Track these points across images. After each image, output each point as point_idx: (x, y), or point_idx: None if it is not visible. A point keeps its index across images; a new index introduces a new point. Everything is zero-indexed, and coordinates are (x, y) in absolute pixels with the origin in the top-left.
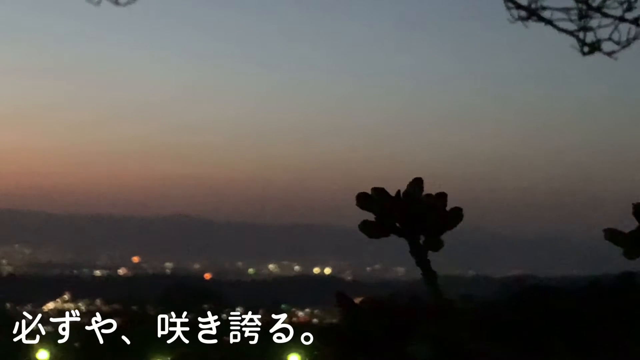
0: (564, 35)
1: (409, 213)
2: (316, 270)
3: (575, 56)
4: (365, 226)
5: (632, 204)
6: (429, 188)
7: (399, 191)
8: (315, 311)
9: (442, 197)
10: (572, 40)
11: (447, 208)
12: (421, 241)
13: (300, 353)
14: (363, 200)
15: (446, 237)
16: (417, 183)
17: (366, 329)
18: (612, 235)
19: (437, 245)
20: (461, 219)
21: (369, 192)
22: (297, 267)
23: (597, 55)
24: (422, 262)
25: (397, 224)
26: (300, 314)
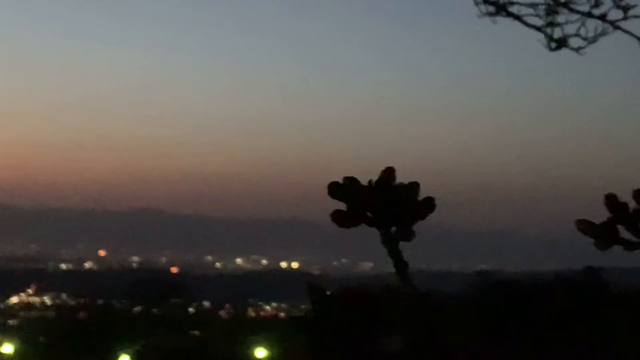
0: (532, 31)
1: (381, 202)
2: (284, 264)
3: (543, 52)
4: (336, 215)
5: (604, 194)
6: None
7: (370, 180)
8: (283, 305)
9: (414, 186)
10: (540, 36)
11: (419, 198)
12: (393, 231)
13: (267, 347)
14: (334, 189)
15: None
16: (389, 172)
17: (338, 318)
18: (584, 225)
19: (409, 236)
20: (434, 209)
21: (341, 181)
22: (264, 262)
23: (564, 51)
24: (394, 253)
25: (369, 214)
26: (268, 308)
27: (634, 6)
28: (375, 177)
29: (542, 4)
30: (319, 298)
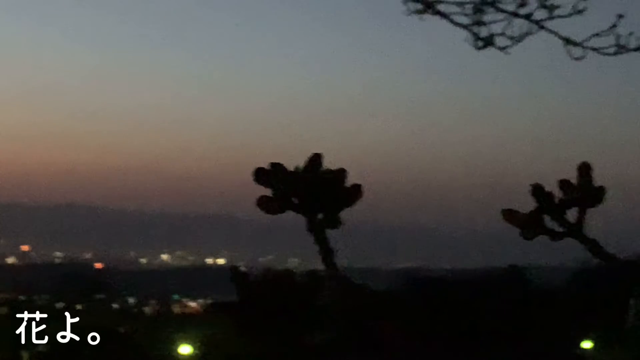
0: (459, 29)
1: (308, 188)
2: (209, 260)
3: (470, 50)
4: (262, 201)
5: (530, 184)
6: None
7: (297, 166)
8: (208, 301)
9: (341, 173)
10: (467, 35)
11: (346, 184)
12: (319, 218)
13: (191, 343)
14: (260, 175)
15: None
16: (316, 158)
17: (263, 304)
18: (510, 215)
19: (336, 223)
20: (361, 196)
21: (267, 167)
22: (190, 258)
23: (490, 49)
24: (320, 239)
25: (295, 200)
26: (193, 304)
27: (559, 6)
28: (302, 164)
29: (469, 3)
30: (244, 283)
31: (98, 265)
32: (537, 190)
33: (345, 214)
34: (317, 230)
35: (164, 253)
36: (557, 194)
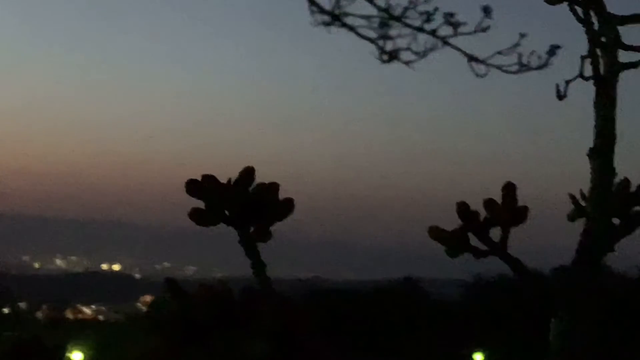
0: (365, 42)
1: (240, 201)
2: (105, 266)
3: (376, 64)
4: (194, 214)
5: (456, 202)
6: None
7: (229, 179)
8: (103, 308)
9: (273, 187)
10: (373, 48)
11: (279, 198)
12: (250, 231)
13: (84, 350)
14: (193, 187)
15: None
16: (249, 172)
17: (198, 317)
18: (436, 233)
19: (266, 236)
20: (292, 210)
21: (199, 179)
22: (85, 263)
23: (396, 64)
24: (252, 253)
25: (227, 213)
26: (87, 310)
27: (464, 23)
28: (234, 177)
29: (376, 17)
30: (178, 296)
31: None
32: (462, 209)
33: (275, 228)
34: (248, 244)
35: (57, 258)
36: (482, 212)
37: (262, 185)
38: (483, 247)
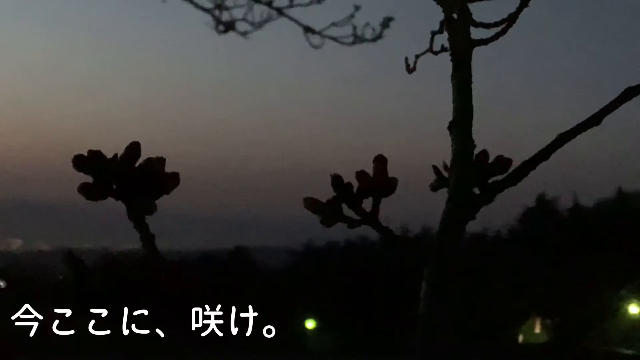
0: (202, 12)
1: (127, 175)
2: None
3: (212, 35)
4: (83, 188)
5: (330, 174)
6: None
7: (116, 154)
8: None
9: (160, 161)
10: (209, 19)
11: (165, 172)
12: (137, 204)
13: None
14: (80, 162)
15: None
16: (134, 147)
17: (95, 285)
18: (311, 204)
19: (151, 209)
20: (178, 183)
21: (86, 154)
22: None
23: (232, 34)
24: (140, 226)
25: (115, 186)
26: None
27: None
28: (120, 152)
29: None
30: (75, 265)
31: None
32: (336, 181)
33: (161, 201)
34: (136, 217)
35: None
36: (355, 184)
37: (148, 160)
38: (356, 217)
